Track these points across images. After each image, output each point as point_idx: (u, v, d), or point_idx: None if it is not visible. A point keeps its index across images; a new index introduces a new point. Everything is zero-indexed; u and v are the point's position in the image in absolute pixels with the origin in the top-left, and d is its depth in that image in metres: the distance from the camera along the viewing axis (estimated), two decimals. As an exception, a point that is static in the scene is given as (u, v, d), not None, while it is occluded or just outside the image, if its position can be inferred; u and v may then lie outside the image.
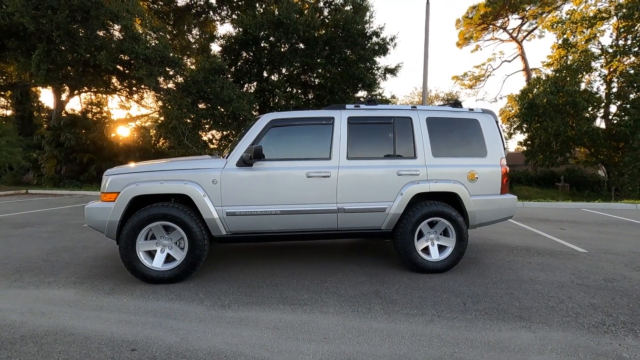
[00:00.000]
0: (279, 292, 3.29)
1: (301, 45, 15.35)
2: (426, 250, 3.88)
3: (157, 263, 3.45)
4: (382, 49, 15.88)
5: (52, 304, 2.96)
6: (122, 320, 2.68)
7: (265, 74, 16.62)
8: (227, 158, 3.62)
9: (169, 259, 3.52)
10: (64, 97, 19.09)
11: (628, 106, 18.36)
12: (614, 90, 19.71)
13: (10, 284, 3.44)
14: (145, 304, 2.99)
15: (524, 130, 20.61)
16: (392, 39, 15.94)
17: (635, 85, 18.36)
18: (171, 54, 11.13)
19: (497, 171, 4.00)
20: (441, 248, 3.91)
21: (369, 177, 3.74)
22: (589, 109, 18.72)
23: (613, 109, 20.19)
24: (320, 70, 15.77)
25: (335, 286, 3.44)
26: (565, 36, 21.32)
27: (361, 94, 17.34)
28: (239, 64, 16.43)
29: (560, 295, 3.24)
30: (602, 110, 20.35)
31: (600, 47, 20.14)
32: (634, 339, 2.47)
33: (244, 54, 16.23)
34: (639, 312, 2.89)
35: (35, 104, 24.15)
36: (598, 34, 20.25)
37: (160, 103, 16.03)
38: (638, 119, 16.93)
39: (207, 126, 13.39)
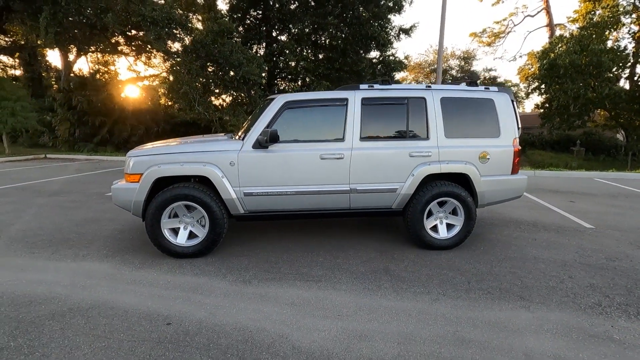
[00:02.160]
0: (295, 268, 3.53)
1: (312, 2, 14.69)
2: (434, 228, 4.04)
3: (181, 239, 3.70)
4: (398, 6, 15.13)
5: (90, 278, 3.26)
6: (155, 295, 2.96)
7: (274, 34, 16.11)
8: (243, 140, 3.72)
9: (191, 235, 3.76)
10: (71, 57, 18.93)
11: (656, 66, 17.43)
12: (644, 48, 18.59)
13: (49, 256, 3.76)
14: (173, 278, 3.27)
15: (542, 92, 19.87)
16: (408, -5, 15.10)
17: (666, 43, 17.29)
18: (178, 14, 10.80)
19: (509, 151, 4.03)
20: (449, 226, 4.07)
21: (381, 159, 3.82)
22: (614, 69, 17.82)
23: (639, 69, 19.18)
24: (331, 30, 15.18)
25: (347, 262, 3.67)
26: (594, -12, 19.82)
27: (374, 54, 16.80)
28: (247, 22, 15.90)
29: (562, 275, 3.41)
30: (627, 71, 19.36)
31: (632, 0, 18.70)
32: (626, 320, 2.65)
33: (252, 12, 15.65)
34: (635, 293, 3.06)
35: (43, 64, 24.00)
36: (632, -16, 18.74)
37: (168, 64, 15.84)
38: (665, 81, 16.15)
39: (216, 91, 13.29)
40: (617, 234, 4.69)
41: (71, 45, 14.50)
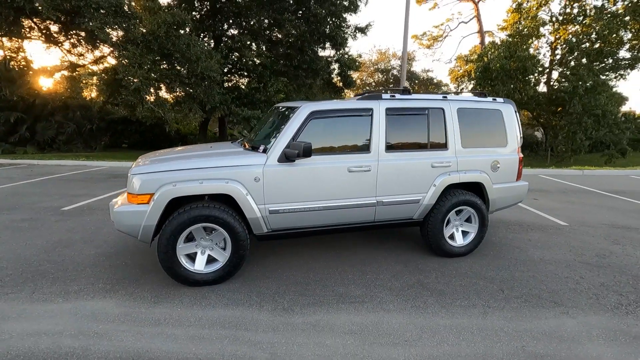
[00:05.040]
0: (330, 288, 3.35)
1: (267, -4, 14.15)
2: (451, 236, 4.13)
3: (199, 266, 3.29)
4: (353, 5, 15.24)
5: (100, 322, 2.73)
6: (194, 337, 2.58)
7: (225, 27, 15.26)
8: (266, 153, 3.41)
9: (208, 259, 3.37)
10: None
11: (568, 73, 20.04)
12: (558, 57, 21.26)
13: (30, 296, 3.08)
14: (204, 313, 2.88)
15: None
16: (363, -4, 15.31)
17: (575, 52, 19.97)
18: (126, 6, 9.64)
19: (515, 159, 4.26)
20: (464, 233, 4.19)
21: (406, 170, 3.78)
22: (535, 74, 20.11)
23: (555, 75, 21.89)
24: (287, 27, 14.81)
25: (379, 277, 3.58)
26: (519, 0, 22.11)
27: (328, 52, 16.83)
28: (196, 14, 14.82)
29: (573, 275, 3.70)
30: (545, 76, 21.98)
31: (550, 14, 21.24)
32: (650, 318, 2.95)
33: (204, 2, 14.63)
34: (640, 290, 3.43)
35: None
36: (550, 1, 21.26)
37: (98, 54, 14.13)
38: (575, 86, 18.63)
39: (163, 88, 12.08)
40: (590, 230, 5.25)
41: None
